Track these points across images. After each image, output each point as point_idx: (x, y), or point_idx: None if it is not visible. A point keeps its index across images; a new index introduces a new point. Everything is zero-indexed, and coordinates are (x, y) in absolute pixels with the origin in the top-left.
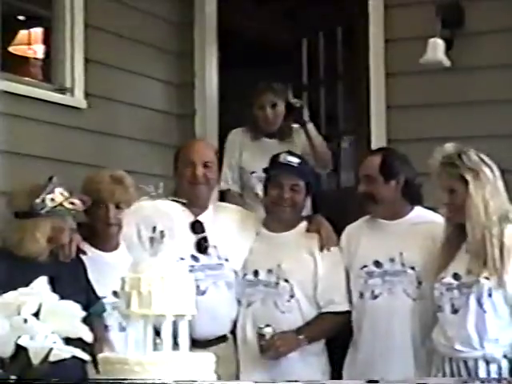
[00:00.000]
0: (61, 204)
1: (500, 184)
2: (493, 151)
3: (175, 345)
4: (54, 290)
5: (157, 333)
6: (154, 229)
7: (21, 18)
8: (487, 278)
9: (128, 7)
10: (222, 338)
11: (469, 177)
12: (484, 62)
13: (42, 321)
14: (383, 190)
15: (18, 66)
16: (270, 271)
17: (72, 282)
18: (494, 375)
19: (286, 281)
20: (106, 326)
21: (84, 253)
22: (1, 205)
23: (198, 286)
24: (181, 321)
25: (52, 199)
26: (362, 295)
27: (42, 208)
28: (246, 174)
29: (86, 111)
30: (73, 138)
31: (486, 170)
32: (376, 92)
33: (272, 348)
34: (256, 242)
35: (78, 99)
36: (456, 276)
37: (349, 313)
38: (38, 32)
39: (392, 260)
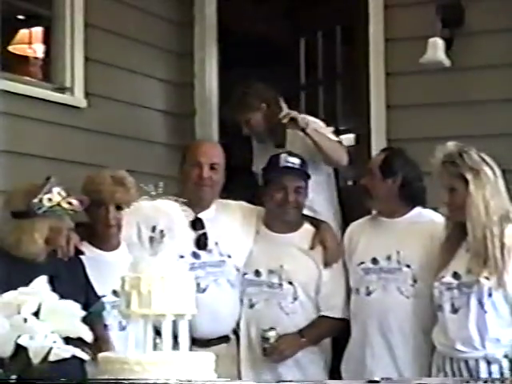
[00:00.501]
0: (58, 204)
1: (501, 184)
2: (493, 150)
3: (175, 344)
4: (54, 290)
5: (157, 332)
6: (154, 228)
7: (21, 17)
8: (487, 278)
9: (128, 6)
10: (224, 338)
11: (469, 176)
12: (484, 62)
13: (41, 320)
14: (379, 187)
15: (17, 65)
16: (271, 272)
17: (71, 282)
18: (495, 375)
19: (290, 283)
20: (105, 325)
21: (82, 253)
22: (0, 204)
23: (198, 284)
24: (181, 320)
25: (49, 199)
26: (357, 291)
27: (40, 208)
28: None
29: (86, 110)
30: (73, 138)
31: (487, 170)
32: (376, 91)
33: (276, 351)
34: (257, 241)
35: (78, 98)
36: (456, 275)
37: (347, 320)
38: (38, 31)
39: (389, 258)
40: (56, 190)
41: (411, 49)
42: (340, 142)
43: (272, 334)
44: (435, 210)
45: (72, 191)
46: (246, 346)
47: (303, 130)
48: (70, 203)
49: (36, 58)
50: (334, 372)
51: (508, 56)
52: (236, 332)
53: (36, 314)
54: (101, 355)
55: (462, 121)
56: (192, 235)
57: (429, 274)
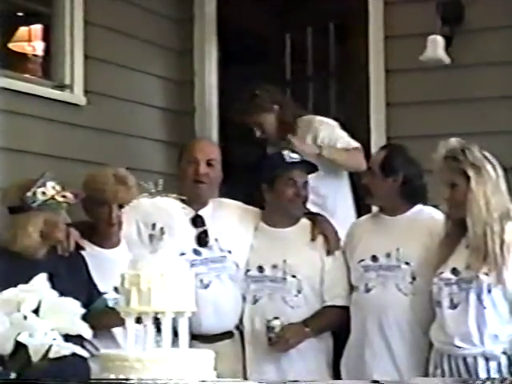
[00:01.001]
0: (52, 197)
1: (502, 183)
2: (492, 148)
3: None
4: (54, 287)
5: (157, 329)
6: (154, 226)
7: (20, 14)
8: (486, 274)
9: (128, 4)
10: (227, 334)
11: (471, 172)
12: (484, 59)
13: (41, 318)
14: (380, 186)
15: (17, 62)
16: (275, 266)
17: (72, 279)
18: (493, 372)
19: (294, 276)
20: None
21: (82, 248)
22: None
23: (201, 280)
24: (180, 317)
25: (43, 193)
26: (357, 288)
27: (34, 202)
28: None
29: (86, 108)
30: (72, 135)
31: (489, 168)
32: (376, 89)
33: (281, 340)
34: (257, 237)
35: (78, 96)
36: (455, 271)
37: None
38: (37, 29)
39: (388, 255)
40: (50, 184)
41: (411, 46)
42: (357, 148)
43: (277, 323)
44: (436, 207)
45: (71, 188)
46: (249, 341)
47: (319, 154)
48: (64, 196)
49: (35, 55)
50: (335, 368)
51: (508, 53)
52: (239, 328)
53: (36, 311)
54: (101, 352)
55: (461, 118)
56: (193, 232)
57: (428, 271)
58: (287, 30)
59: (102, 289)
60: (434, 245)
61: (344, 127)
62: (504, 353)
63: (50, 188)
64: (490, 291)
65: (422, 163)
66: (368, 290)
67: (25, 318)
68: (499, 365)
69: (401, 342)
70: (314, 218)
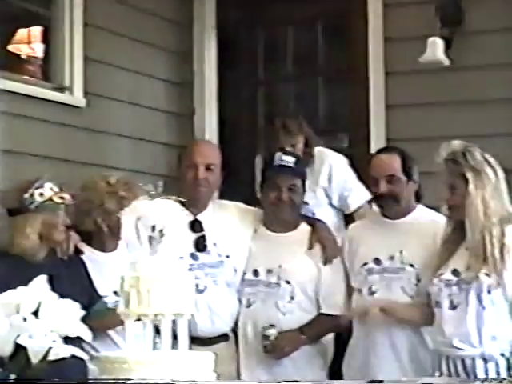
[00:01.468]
0: (50, 199)
1: (503, 186)
2: (491, 150)
3: (175, 343)
4: (53, 289)
5: (157, 331)
6: (153, 228)
7: (20, 16)
8: (487, 275)
9: (127, 6)
10: (223, 337)
11: (470, 176)
12: (483, 61)
13: (41, 320)
14: (406, 190)
15: (17, 64)
16: (270, 271)
17: (72, 281)
18: (492, 374)
19: (288, 282)
20: None
21: (81, 252)
22: None
23: (196, 285)
24: (180, 319)
25: (41, 194)
26: (360, 291)
27: (31, 203)
28: None
29: (85, 110)
30: (72, 137)
31: (489, 171)
32: (375, 91)
33: (276, 349)
34: (255, 240)
35: (77, 98)
36: (455, 272)
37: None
38: (37, 31)
39: (392, 258)
40: (48, 185)
41: (410, 48)
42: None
43: (272, 332)
44: (436, 209)
45: (71, 190)
46: (244, 343)
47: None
48: (62, 198)
49: (35, 57)
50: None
51: (507, 55)
52: (235, 331)
53: (35, 313)
54: (101, 354)
55: (461, 120)
56: (191, 237)
57: (430, 273)
58: (289, 30)
59: (100, 292)
60: (437, 247)
61: (344, 130)
62: (502, 354)
63: (48, 189)
64: (489, 292)
65: (422, 165)
66: (372, 293)
67: (24, 320)
68: (497, 366)
69: (406, 343)
70: (313, 223)
